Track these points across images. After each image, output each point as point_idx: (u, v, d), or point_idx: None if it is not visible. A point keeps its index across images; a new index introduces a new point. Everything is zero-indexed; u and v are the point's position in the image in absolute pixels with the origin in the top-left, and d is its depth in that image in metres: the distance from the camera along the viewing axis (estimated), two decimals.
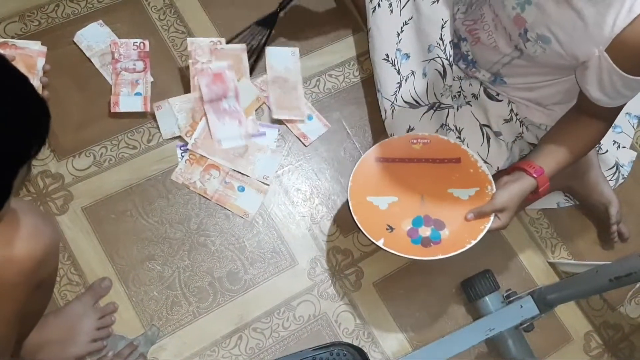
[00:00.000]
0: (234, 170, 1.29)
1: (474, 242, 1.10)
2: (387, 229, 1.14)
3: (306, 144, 1.35)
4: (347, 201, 1.14)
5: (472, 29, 1.21)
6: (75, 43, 1.33)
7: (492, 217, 1.12)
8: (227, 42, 1.38)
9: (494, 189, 1.14)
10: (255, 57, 1.38)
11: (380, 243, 1.10)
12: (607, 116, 1.13)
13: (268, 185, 1.30)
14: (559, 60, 1.07)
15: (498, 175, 1.18)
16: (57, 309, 1.12)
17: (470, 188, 1.16)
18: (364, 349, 1.20)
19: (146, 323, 1.17)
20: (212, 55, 1.34)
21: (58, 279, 1.16)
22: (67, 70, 1.31)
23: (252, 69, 1.37)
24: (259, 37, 1.39)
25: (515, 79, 1.21)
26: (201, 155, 1.28)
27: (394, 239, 1.12)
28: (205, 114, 1.29)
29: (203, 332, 1.19)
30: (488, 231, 1.12)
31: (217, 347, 1.19)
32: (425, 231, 1.14)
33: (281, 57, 1.40)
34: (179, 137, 1.30)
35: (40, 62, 1.14)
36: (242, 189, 1.28)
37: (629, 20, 0.94)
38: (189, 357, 1.17)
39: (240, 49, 1.37)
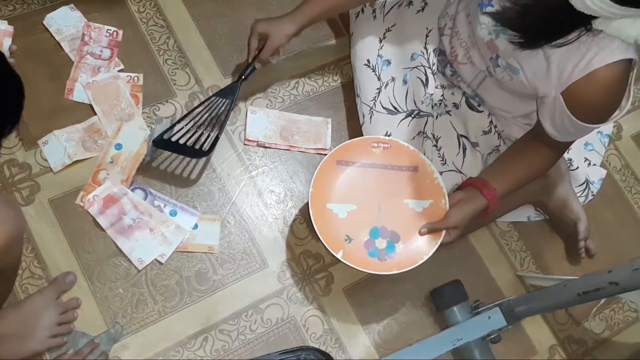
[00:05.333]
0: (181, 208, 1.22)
1: (426, 258, 1.15)
2: (345, 240, 1.16)
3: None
4: (308, 208, 1.16)
5: (452, 45, 1.24)
6: (44, 26, 1.29)
7: (443, 233, 1.16)
8: (181, 118, 1.24)
9: (447, 204, 1.17)
10: (217, 133, 1.23)
11: (339, 256, 1.13)
12: (559, 147, 1.18)
13: (199, 214, 1.23)
14: (523, 89, 1.12)
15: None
16: (17, 302, 1.08)
17: (425, 200, 1.19)
18: (331, 354, 1.19)
19: (110, 320, 1.14)
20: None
21: (20, 271, 1.12)
22: (40, 58, 1.27)
23: (212, 147, 1.21)
24: (220, 109, 1.25)
25: (490, 97, 1.25)
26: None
27: (352, 251, 1.15)
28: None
29: (168, 331, 1.17)
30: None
31: (182, 348, 1.16)
32: (381, 243, 1.17)
33: None
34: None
35: (7, 42, 1.11)
36: (195, 227, 1.23)
37: (584, 74, 0.98)
38: (152, 357, 1.14)
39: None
